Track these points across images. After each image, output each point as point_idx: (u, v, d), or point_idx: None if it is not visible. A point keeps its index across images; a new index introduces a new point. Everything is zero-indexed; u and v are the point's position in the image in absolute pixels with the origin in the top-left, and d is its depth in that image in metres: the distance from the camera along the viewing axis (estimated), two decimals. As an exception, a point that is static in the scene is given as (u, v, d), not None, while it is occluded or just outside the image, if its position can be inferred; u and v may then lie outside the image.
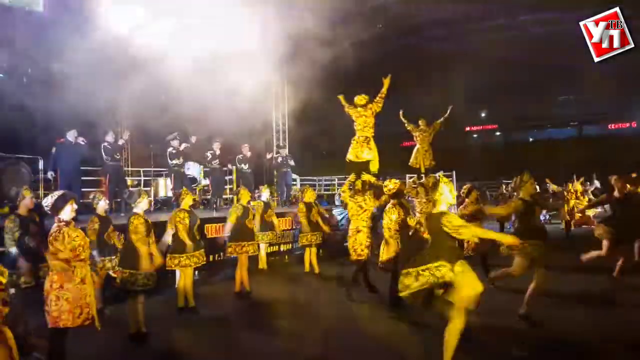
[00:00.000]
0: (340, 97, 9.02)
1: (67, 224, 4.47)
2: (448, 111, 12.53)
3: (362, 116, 8.71)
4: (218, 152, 12.74)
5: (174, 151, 11.93)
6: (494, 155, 36.02)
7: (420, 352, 5.24)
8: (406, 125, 12.59)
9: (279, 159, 14.63)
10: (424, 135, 12.69)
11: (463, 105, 32.95)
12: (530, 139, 40.38)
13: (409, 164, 12.97)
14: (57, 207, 4.47)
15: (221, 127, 12.39)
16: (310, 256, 9.79)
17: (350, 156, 8.69)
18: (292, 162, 14.55)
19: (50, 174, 9.97)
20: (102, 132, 10.97)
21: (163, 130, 12.34)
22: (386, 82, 8.75)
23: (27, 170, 10.12)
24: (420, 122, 12.83)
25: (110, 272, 6.90)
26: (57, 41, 10.04)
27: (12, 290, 5.59)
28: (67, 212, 4.51)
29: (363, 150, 8.56)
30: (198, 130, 13.20)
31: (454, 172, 21.05)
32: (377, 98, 8.59)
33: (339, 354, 5.34)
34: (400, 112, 12.36)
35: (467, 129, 43.11)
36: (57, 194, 4.62)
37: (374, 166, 8.65)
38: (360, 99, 8.70)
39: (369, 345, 5.49)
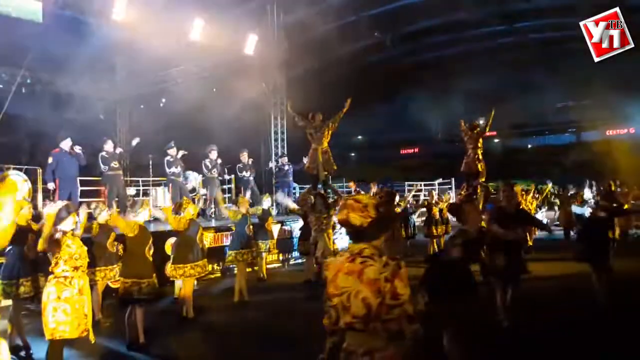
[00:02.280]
0: (462, 121, 11.33)
1: (65, 233, 4.47)
2: (347, 105, 10.52)
3: (472, 137, 11.12)
4: (215, 159, 12.70)
5: (171, 159, 11.89)
6: (492, 162, 36.05)
7: None
8: (296, 120, 10.45)
9: (285, 167, 14.65)
10: (320, 135, 10.46)
11: (461, 113, 33.16)
12: (529, 146, 40.48)
13: (305, 169, 10.71)
14: (60, 217, 4.46)
15: (220, 136, 12.40)
16: (310, 264, 9.78)
17: (463, 168, 11.16)
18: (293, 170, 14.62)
19: (50, 185, 9.89)
20: (101, 141, 10.94)
21: (162, 139, 12.34)
22: (491, 116, 11.12)
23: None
24: (316, 117, 10.59)
25: (109, 283, 6.89)
26: (57, 52, 10.09)
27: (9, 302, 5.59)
28: (69, 223, 4.50)
29: (475, 163, 10.88)
30: (197, 138, 13.21)
31: (452, 180, 21.11)
32: (487, 128, 11.16)
33: None
34: (288, 104, 10.58)
35: (466, 136, 43.21)
36: (60, 204, 4.60)
37: (483, 176, 10.85)
38: (473, 125, 11.20)
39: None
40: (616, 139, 33.54)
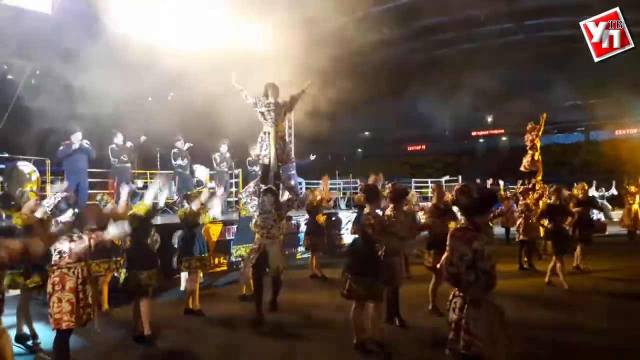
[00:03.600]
0: (530, 123, 12.59)
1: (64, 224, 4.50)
2: (307, 86, 8.77)
3: (529, 139, 12.37)
4: (226, 154, 12.69)
5: (177, 152, 11.95)
6: (500, 159, 35.92)
7: (425, 355, 5.25)
8: (244, 96, 8.26)
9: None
10: (275, 115, 8.34)
11: (469, 110, 33.06)
12: (537, 144, 40.26)
13: (254, 157, 9.04)
14: (60, 209, 4.48)
15: (228, 130, 12.40)
16: (315, 259, 9.79)
17: (522, 167, 12.27)
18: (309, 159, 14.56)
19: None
20: (110, 134, 10.99)
21: (170, 133, 12.36)
22: (543, 119, 12.40)
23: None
24: (270, 93, 8.33)
25: (115, 274, 6.93)
26: (66, 43, 10.10)
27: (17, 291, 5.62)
28: (69, 215, 4.52)
29: (531, 163, 12.11)
30: (205, 132, 13.21)
31: (460, 177, 21.03)
32: (539, 132, 12.20)
33: (344, 356, 5.33)
34: (233, 77, 8.20)
35: (474, 133, 43.09)
36: (60, 195, 4.62)
37: (539, 175, 11.95)
38: (531, 126, 12.40)
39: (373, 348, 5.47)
40: (625, 139, 33.33)
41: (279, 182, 8.13)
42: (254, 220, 7.47)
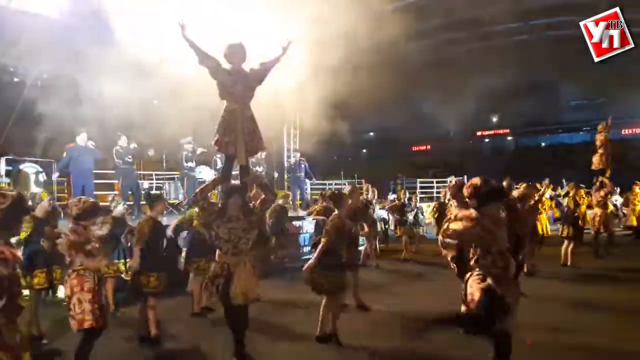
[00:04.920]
0: (602, 123, 13.63)
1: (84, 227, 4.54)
2: (285, 48, 5.96)
3: (599, 139, 12.96)
4: None
5: (190, 154, 11.99)
6: (505, 159, 35.82)
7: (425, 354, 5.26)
8: (200, 60, 5.64)
9: (292, 161, 14.64)
10: (242, 89, 5.74)
11: (474, 110, 32.97)
12: (542, 144, 40.17)
13: (214, 144, 6.60)
14: (87, 213, 4.50)
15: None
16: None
17: (593, 166, 12.91)
18: (307, 166, 14.49)
19: (55, 175, 10.11)
20: (115, 136, 11.03)
21: (176, 134, 12.38)
22: (610, 120, 13.55)
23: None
24: (236, 57, 5.72)
25: (123, 275, 6.96)
26: (72, 46, 10.16)
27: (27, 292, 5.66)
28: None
29: (600, 161, 12.69)
30: (209, 133, 13.21)
31: (465, 177, 20.95)
32: (606, 133, 13.01)
33: (347, 355, 5.34)
34: (182, 24, 5.79)
35: (479, 133, 42.99)
36: (90, 201, 4.63)
37: (607, 173, 12.53)
38: (602, 126, 13.10)
39: (377, 346, 5.48)
40: (633, 139, 33.15)
41: (248, 178, 5.60)
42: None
